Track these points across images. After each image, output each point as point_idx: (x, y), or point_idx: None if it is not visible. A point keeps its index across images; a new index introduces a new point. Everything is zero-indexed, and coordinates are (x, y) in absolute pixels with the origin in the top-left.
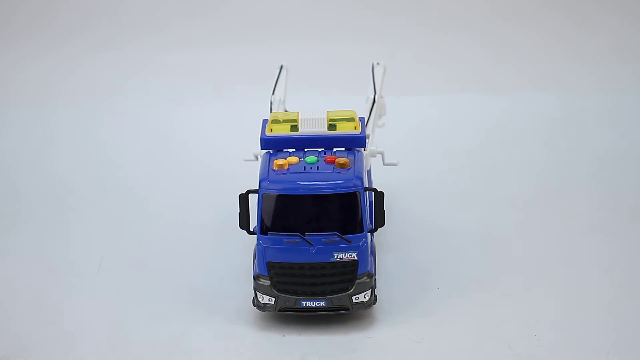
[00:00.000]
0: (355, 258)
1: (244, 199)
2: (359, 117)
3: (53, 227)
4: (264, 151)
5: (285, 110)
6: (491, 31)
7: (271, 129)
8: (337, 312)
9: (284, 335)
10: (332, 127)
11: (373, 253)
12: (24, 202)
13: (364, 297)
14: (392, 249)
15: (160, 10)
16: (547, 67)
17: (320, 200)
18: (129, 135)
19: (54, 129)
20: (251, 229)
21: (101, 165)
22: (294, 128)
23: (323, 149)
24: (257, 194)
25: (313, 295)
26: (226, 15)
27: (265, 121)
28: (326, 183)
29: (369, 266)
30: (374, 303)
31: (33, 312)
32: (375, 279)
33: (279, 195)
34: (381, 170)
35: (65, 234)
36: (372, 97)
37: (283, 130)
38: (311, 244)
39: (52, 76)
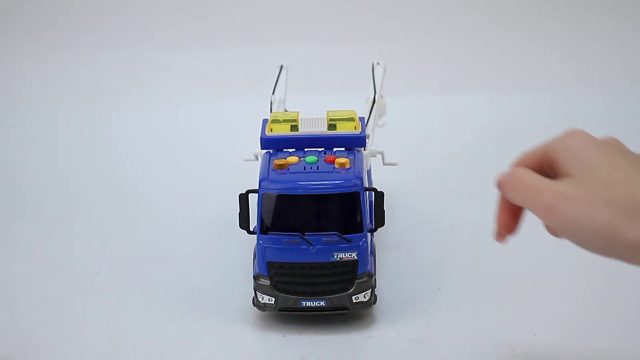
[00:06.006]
0: (355, 258)
1: (244, 198)
2: (359, 117)
3: (55, 227)
4: (264, 151)
5: (285, 110)
6: (490, 33)
7: (271, 129)
8: (337, 311)
9: (284, 335)
10: (332, 127)
11: (373, 253)
12: (28, 201)
13: (364, 296)
14: (392, 248)
15: (164, 13)
16: (546, 68)
17: (320, 200)
18: (130, 135)
19: (58, 129)
20: (251, 229)
21: (103, 164)
22: (294, 128)
23: (323, 149)
24: (257, 194)
25: (313, 295)
26: (227, 18)
27: (265, 121)
28: (326, 183)
29: (369, 266)
30: (374, 303)
31: (33, 312)
32: (375, 279)
33: (279, 195)
34: (381, 170)
35: (67, 233)
36: (372, 97)
37: (283, 130)
38: (311, 244)
39: (56, 77)
